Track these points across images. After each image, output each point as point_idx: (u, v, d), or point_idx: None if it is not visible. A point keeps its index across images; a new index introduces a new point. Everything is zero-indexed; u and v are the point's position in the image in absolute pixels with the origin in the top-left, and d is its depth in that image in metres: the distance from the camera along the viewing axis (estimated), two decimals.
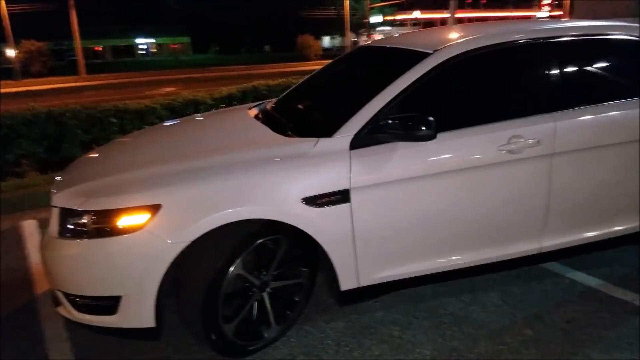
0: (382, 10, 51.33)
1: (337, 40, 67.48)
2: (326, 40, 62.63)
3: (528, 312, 2.92)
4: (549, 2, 54.77)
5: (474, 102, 2.84)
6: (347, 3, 45.44)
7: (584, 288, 3.14)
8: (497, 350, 2.59)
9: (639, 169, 2.97)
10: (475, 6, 68.29)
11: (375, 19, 50.83)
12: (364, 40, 53.30)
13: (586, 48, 3.06)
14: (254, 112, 3.54)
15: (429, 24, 68.26)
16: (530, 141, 2.73)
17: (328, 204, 2.52)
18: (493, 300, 3.04)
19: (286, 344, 2.73)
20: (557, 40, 2.98)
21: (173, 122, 4.15)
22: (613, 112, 2.91)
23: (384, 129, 2.55)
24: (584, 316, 2.84)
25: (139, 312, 2.45)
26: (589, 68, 3.07)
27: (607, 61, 3.12)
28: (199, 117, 4.30)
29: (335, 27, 54.54)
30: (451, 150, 2.66)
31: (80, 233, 2.48)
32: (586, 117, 2.86)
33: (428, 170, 2.65)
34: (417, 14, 63.61)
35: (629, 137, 2.92)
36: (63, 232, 2.54)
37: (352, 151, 2.56)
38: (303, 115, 3.22)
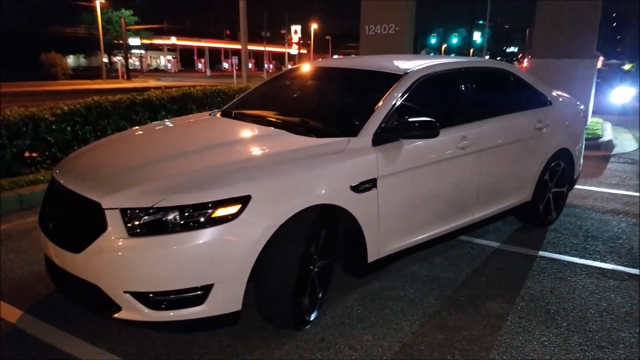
0: (138, 33, 49.97)
1: (84, 61, 62.85)
2: (74, 59, 57.75)
3: (471, 266, 3.94)
4: (297, 41, 61.10)
5: (437, 111, 3.75)
6: (100, 22, 43.17)
7: (492, 248, 4.32)
8: (471, 292, 3.51)
9: (527, 157, 4.32)
10: (233, 38, 71.64)
11: (133, 41, 49.18)
12: (117, 60, 51.02)
13: (489, 76, 4.36)
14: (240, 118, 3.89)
15: (185, 50, 68.90)
16: (471, 141, 3.77)
17: (365, 190, 3.11)
18: (444, 264, 3.99)
19: (324, 314, 3.17)
20: (473, 69, 4.18)
21: (183, 122, 4.22)
22: (509, 121, 4.19)
23: (394, 130, 3.26)
24: (510, 263, 3.98)
25: (229, 297, 2.63)
26: (493, 89, 4.32)
27: (500, 85, 4.42)
28: (195, 120, 4.31)
29: (85, 46, 50.91)
30: (433, 146, 3.51)
31: (160, 229, 2.54)
32: (496, 124, 4.06)
33: (421, 162, 3.45)
34: (173, 40, 63.86)
35: (519, 137, 4.24)
36: (134, 231, 2.54)
37: (374, 147, 3.20)
38: (315, 120, 3.59)
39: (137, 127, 4.14)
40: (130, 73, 47.70)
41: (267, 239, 2.66)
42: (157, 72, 64.63)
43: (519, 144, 4.27)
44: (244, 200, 2.62)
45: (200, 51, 70.87)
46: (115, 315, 2.62)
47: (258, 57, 73.66)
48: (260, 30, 63.19)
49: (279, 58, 77.12)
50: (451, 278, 3.75)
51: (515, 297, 3.49)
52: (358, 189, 3.07)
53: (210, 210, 2.56)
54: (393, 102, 3.41)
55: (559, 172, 4.82)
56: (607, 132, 10.15)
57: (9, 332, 2.97)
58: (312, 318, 3.04)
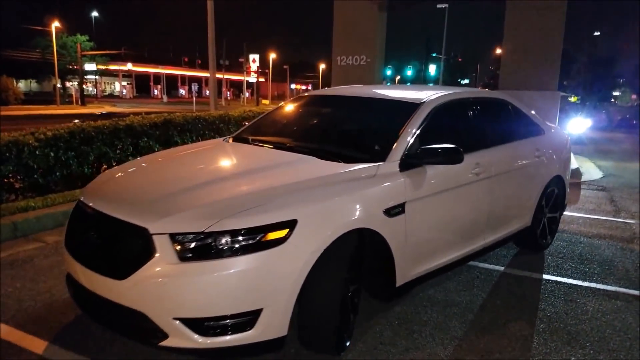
0: (94, 59, 49.05)
1: (35, 85, 61.13)
2: (25, 84, 56.03)
3: (484, 289, 4.04)
4: (255, 70, 61.49)
5: (451, 138, 3.86)
6: (55, 47, 42.26)
7: (498, 272, 4.45)
8: (491, 315, 3.60)
9: (528, 184, 4.51)
10: (191, 65, 71.40)
11: (89, 66, 48.23)
12: (70, 85, 49.80)
13: (492, 105, 4.55)
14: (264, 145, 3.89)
15: (141, 76, 68.01)
16: (483, 167, 3.92)
17: (396, 214, 3.17)
18: (457, 288, 4.07)
19: (356, 340, 3.17)
20: (478, 99, 4.37)
21: (204, 147, 4.21)
22: (513, 149, 4.38)
23: (420, 156, 3.35)
24: (519, 286, 4.11)
25: (277, 322, 2.61)
26: (497, 118, 4.50)
27: (502, 114, 4.61)
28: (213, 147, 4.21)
29: (38, 70, 49.61)
30: (452, 172, 3.62)
31: (211, 253, 2.51)
32: (503, 151, 4.24)
33: (443, 187, 3.55)
34: (129, 66, 63.06)
35: (522, 164, 4.44)
36: (184, 256, 2.51)
37: (401, 172, 3.29)
38: (339, 147, 3.64)
39: (157, 153, 4.09)
40: (84, 98, 46.63)
41: (313, 263, 2.66)
42: (112, 97, 63.46)
43: (522, 171, 4.46)
44: (291, 225, 2.62)
45: (157, 77, 70.21)
46: (162, 343, 2.54)
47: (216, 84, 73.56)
48: (219, 59, 63.33)
49: (237, 86, 77.28)
50: (468, 302, 3.83)
51: (533, 319, 3.59)
52: (390, 212, 3.12)
53: (260, 235, 2.56)
54: (415, 129, 3.52)
55: (553, 198, 5.05)
56: (573, 161, 10.68)
57: None
58: (347, 343, 3.04)
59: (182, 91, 73.74)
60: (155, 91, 70.61)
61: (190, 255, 2.51)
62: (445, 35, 31.71)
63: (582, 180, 9.52)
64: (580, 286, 4.24)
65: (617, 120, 31.00)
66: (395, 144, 3.39)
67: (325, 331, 2.83)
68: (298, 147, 3.66)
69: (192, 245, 2.52)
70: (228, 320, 2.53)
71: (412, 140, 3.45)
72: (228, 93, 71.83)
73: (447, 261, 3.74)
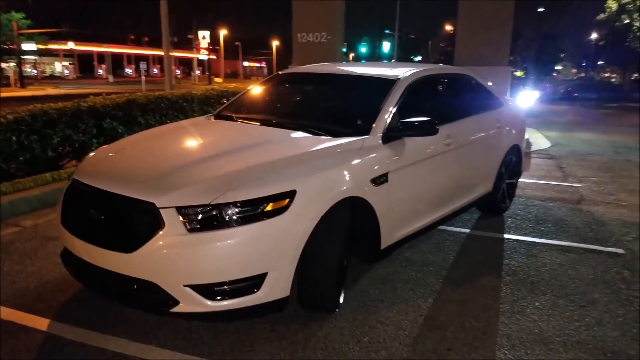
0: (32, 38, 46.66)
1: None
2: None
3: (454, 249, 4.42)
4: (206, 47, 59.99)
5: (425, 112, 4.14)
6: None
7: (465, 234, 4.84)
8: (463, 271, 3.97)
9: (490, 153, 4.89)
10: (138, 43, 68.98)
11: (27, 46, 45.87)
12: (7, 67, 47.28)
13: (458, 81, 4.88)
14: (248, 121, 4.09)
15: (84, 55, 65.20)
16: (453, 138, 4.24)
17: (381, 182, 3.44)
18: (431, 249, 4.43)
19: (346, 298, 3.46)
20: (446, 74, 4.68)
21: (193, 124, 4.35)
22: (478, 121, 4.74)
23: (400, 129, 3.62)
24: (485, 245, 4.50)
25: (280, 284, 2.85)
26: (463, 93, 4.84)
27: (467, 89, 4.95)
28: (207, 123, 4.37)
29: None
30: (427, 143, 3.92)
31: (217, 224, 2.71)
32: (469, 123, 4.58)
33: (419, 157, 3.85)
34: (71, 45, 60.30)
35: (485, 135, 4.81)
36: (192, 227, 2.69)
37: (384, 145, 3.56)
38: (326, 122, 3.84)
39: (145, 131, 4.19)
40: (24, 80, 44.46)
41: (312, 229, 2.90)
42: (54, 79, 60.58)
43: (485, 141, 4.83)
44: (291, 195, 2.85)
45: (101, 56, 67.48)
46: (174, 309, 2.73)
47: (163, 62, 71.49)
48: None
49: (186, 63, 75.34)
50: (441, 261, 4.19)
51: (500, 272, 3.99)
52: (376, 182, 3.40)
53: (263, 205, 2.77)
54: (393, 104, 3.79)
55: (512, 165, 5.47)
56: None
57: (46, 340, 2.95)
58: (341, 301, 3.33)
59: (128, 70, 71.25)
60: (100, 71, 67.86)
61: (198, 226, 2.70)
62: (398, 13, 32.07)
63: (532, 149, 10.13)
64: (538, 242, 4.69)
65: (559, 92, 32.52)
66: (377, 119, 3.65)
67: (323, 291, 3.11)
68: (285, 123, 3.86)
69: (199, 217, 2.71)
70: (236, 284, 2.74)
71: (392, 115, 3.71)
72: (178, 71, 69.98)
73: (424, 225, 4.07)
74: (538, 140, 11.31)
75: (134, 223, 2.81)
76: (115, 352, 2.82)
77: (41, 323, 3.12)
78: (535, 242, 4.70)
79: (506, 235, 4.86)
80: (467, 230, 4.97)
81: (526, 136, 10.93)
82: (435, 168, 4.08)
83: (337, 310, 3.26)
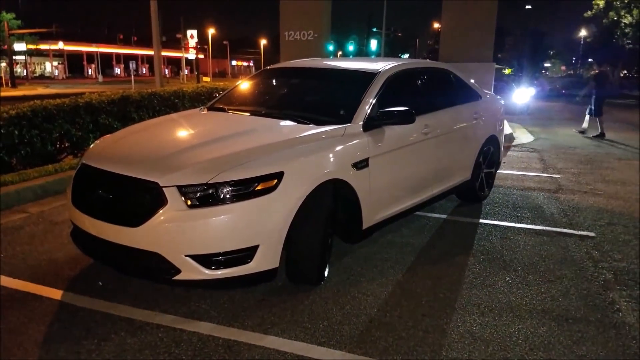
0: (22, 38, 46.61)
1: None
2: None
3: (432, 233, 4.73)
4: (194, 46, 59.97)
5: (404, 103, 4.45)
6: None
7: (443, 219, 5.15)
8: (440, 251, 4.28)
9: (467, 142, 5.21)
10: (127, 43, 68.84)
11: (18, 46, 45.81)
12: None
13: (436, 74, 5.19)
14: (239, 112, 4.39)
15: (73, 55, 65.00)
16: (431, 128, 4.55)
17: (362, 167, 3.74)
18: (411, 233, 4.73)
19: (330, 273, 3.76)
20: (424, 68, 4.99)
21: (189, 115, 4.71)
22: (455, 112, 5.05)
23: (380, 118, 3.93)
24: (462, 229, 4.81)
25: (270, 255, 3.14)
26: (441, 85, 5.15)
27: (445, 82, 5.26)
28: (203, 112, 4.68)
29: None
30: (405, 132, 4.22)
31: (214, 201, 3.00)
32: (447, 114, 4.89)
33: (398, 145, 4.15)
34: (61, 45, 60.15)
35: (463, 126, 5.12)
36: (192, 204, 2.98)
37: (365, 132, 3.86)
38: (310, 112, 4.13)
39: (145, 121, 4.50)
40: (15, 80, 44.36)
41: (298, 207, 3.19)
42: (44, 79, 60.44)
43: (463, 131, 5.15)
44: (279, 176, 3.14)
45: (90, 56, 67.35)
46: (175, 277, 3.02)
47: (152, 62, 71.33)
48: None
49: (175, 63, 75.32)
50: (420, 242, 4.50)
51: (475, 252, 4.31)
52: (357, 166, 3.69)
53: (254, 184, 3.06)
54: (374, 95, 4.09)
55: (489, 155, 5.79)
56: (506, 127, 11.67)
57: (61, 308, 3.23)
58: (326, 275, 3.62)
59: (117, 70, 71.18)
60: (90, 71, 67.82)
61: (196, 203, 2.99)
62: (386, 11, 32.39)
63: (516, 143, 10.49)
64: (513, 227, 5.01)
65: (546, 90, 32.99)
66: (358, 108, 3.95)
67: (309, 264, 3.41)
68: (273, 113, 4.15)
69: (198, 194, 3.00)
70: (231, 255, 3.04)
71: (372, 105, 4.01)
72: (166, 70, 69.92)
73: (403, 208, 4.37)
74: (521, 135, 11.67)
75: (139, 200, 3.09)
76: (121, 316, 3.10)
77: (55, 293, 3.42)
78: (510, 227, 5.02)
79: (483, 221, 5.18)
80: (445, 216, 5.28)
81: (510, 131, 11.34)
82: (413, 155, 4.38)
83: (321, 283, 3.56)
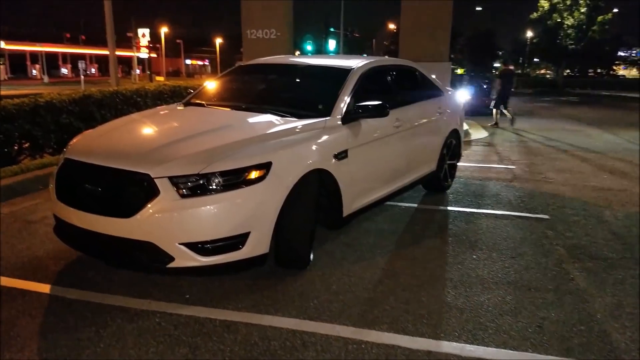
0: None
1: None
2: None
3: (404, 220, 5.03)
4: (146, 45, 58.65)
5: (376, 98, 4.69)
6: None
7: (414, 208, 5.46)
8: (413, 235, 4.57)
9: (433, 136, 5.53)
10: (74, 42, 66.65)
11: None
12: None
13: (404, 71, 5.49)
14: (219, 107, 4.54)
15: (16, 55, 62.36)
16: (401, 122, 4.83)
17: (342, 158, 3.97)
18: (385, 220, 5.01)
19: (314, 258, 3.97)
20: (394, 66, 5.27)
21: (171, 110, 4.76)
22: (422, 107, 5.36)
23: (357, 111, 4.17)
24: (431, 216, 5.13)
25: (261, 242, 3.33)
26: (408, 82, 5.45)
27: (412, 79, 5.57)
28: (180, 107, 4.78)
29: None
30: (379, 125, 4.48)
31: (205, 190, 3.15)
32: (415, 109, 5.20)
33: (373, 137, 4.41)
34: (2, 44, 57.60)
35: (429, 120, 5.45)
36: (184, 194, 3.13)
37: (344, 125, 4.09)
38: (291, 106, 4.30)
39: (127, 116, 4.55)
40: None
41: (286, 195, 3.39)
42: None
43: (428, 125, 5.47)
44: (268, 166, 3.33)
45: (34, 56, 64.77)
46: (169, 265, 3.15)
47: (101, 61, 69.40)
48: (105, 33, 59.44)
49: (126, 62, 73.43)
50: (394, 229, 4.78)
51: (444, 235, 4.63)
52: (338, 157, 3.92)
53: (244, 174, 3.24)
54: (350, 90, 4.33)
55: (452, 147, 6.15)
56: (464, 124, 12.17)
57: (51, 301, 3.30)
58: (311, 258, 3.84)
59: (64, 70, 68.73)
60: (34, 71, 65.19)
61: (189, 192, 3.13)
62: (343, 12, 32.79)
63: (472, 139, 11.00)
64: (476, 212, 5.37)
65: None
66: (336, 103, 4.18)
67: (297, 249, 3.61)
68: (254, 107, 4.33)
69: (189, 185, 3.14)
70: (223, 242, 3.20)
71: (348, 99, 4.25)
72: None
73: (378, 197, 4.64)
74: (478, 131, 12.21)
75: (130, 192, 3.20)
76: (115, 305, 3.21)
77: (43, 287, 3.47)
78: (473, 212, 5.38)
79: (449, 208, 5.53)
80: (416, 205, 5.60)
81: (466, 127, 11.84)
82: (387, 147, 4.66)
83: (308, 267, 3.77)
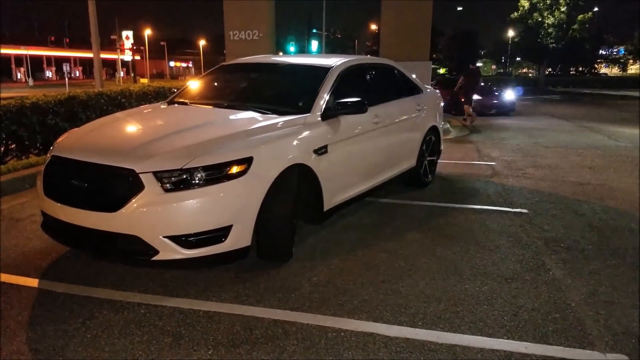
0: None
1: None
2: None
3: (385, 215, 5.14)
4: (130, 47, 58.29)
5: (355, 95, 4.80)
6: None
7: (394, 203, 5.58)
8: (393, 230, 4.68)
9: (412, 132, 5.66)
10: (59, 45, 66.01)
11: None
12: None
13: (383, 70, 5.61)
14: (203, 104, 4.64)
15: (1, 59, 61.61)
16: (381, 118, 4.95)
17: (322, 153, 4.08)
18: (366, 215, 5.13)
19: (297, 252, 4.07)
20: (373, 64, 5.40)
21: (154, 109, 4.85)
22: (401, 104, 5.49)
23: (336, 108, 4.28)
24: (411, 211, 5.26)
25: (243, 235, 3.42)
26: (387, 80, 5.57)
27: (391, 77, 5.70)
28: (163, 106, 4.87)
29: None
30: (358, 122, 4.60)
31: (188, 184, 3.24)
32: (394, 106, 5.33)
33: (352, 133, 4.52)
34: None
35: (408, 117, 5.57)
36: (168, 188, 3.21)
37: (323, 121, 4.20)
38: (271, 104, 4.40)
39: (111, 115, 4.62)
40: None
41: (267, 189, 3.49)
42: None
43: (408, 122, 5.60)
44: (249, 161, 3.42)
45: (19, 59, 64.07)
46: (154, 258, 3.23)
47: (86, 64, 68.89)
48: (89, 36, 58.95)
49: (110, 65, 72.88)
50: (375, 223, 4.90)
51: (424, 229, 4.75)
52: (318, 152, 4.03)
53: (226, 169, 3.33)
54: (329, 88, 4.44)
55: (431, 144, 6.29)
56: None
57: (40, 294, 3.37)
58: (293, 253, 3.93)
59: (49, 73, 68.09)
60: (19, 74, 64.48)
61: (172, 187, 3.22)
62: (325, 13, 32.98)
63: (453, 136, 11.18)
64: (456, 207, 5.51)
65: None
66: (316, 100, 4.28)
67: (279, 242, 3.71)
68: (236, 105, 4.42)
69: (173, 179, 3.23)
70: (207, 235, 3.28)
71: (328, 97, 4.36)
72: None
73: (358, 192, 4.75)
74: (457, 128, 12.40)
75: (116, 187, 3.28)
76: (101, 298, 3.29)
77: (31, 282, 3.55)
78: (453, 207, 5.52)
79: (429, 203, 5.65)
80: (396, 201, 5.72)
81: (447, 125, 12.04)
82: (366, 143, 4.77)
83: (290, 260, 3.87)
